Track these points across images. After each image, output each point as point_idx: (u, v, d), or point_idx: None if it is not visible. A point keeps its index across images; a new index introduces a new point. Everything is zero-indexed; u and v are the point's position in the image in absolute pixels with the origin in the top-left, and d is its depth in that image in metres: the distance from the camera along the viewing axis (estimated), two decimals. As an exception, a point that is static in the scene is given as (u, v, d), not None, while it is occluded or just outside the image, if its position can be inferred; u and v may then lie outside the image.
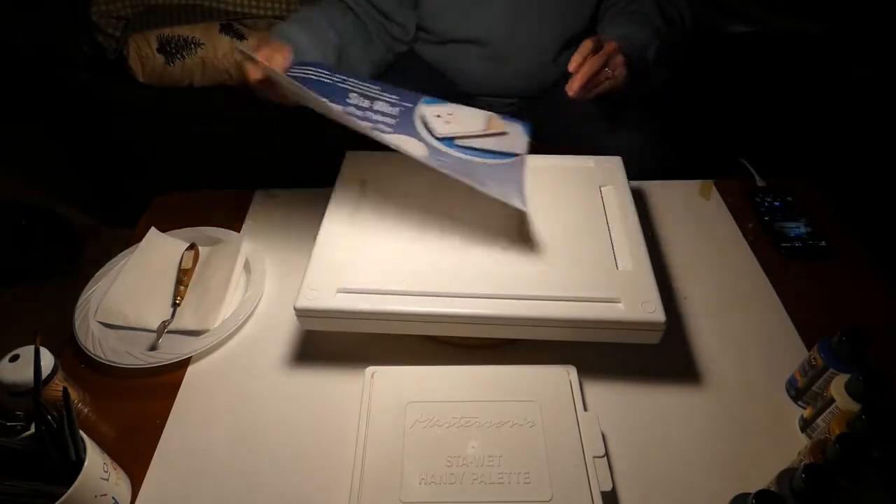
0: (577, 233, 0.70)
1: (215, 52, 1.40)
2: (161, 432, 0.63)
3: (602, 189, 0.76)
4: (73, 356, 0.70)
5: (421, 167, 0.80)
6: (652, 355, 0.68)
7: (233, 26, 1.42)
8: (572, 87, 0.76)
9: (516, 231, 0.70)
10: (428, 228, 0.71)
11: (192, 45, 1.40)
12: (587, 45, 0.77)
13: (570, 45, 1.02)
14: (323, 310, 0.62)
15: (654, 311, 0.60)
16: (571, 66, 0.77)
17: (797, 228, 0.84)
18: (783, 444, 0.61)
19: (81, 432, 0.53)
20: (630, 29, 0.89)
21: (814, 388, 0.62)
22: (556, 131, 1.07)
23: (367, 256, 0.67)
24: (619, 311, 0.61)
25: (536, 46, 1.02)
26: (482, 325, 0.62)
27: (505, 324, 0.62)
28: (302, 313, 0.62)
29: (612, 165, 0.80)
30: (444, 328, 0.64)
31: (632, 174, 0.79)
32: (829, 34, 1.40)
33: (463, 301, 0.61)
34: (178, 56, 1.40)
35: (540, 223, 0.71)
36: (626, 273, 0.65)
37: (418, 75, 1.07)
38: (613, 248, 0.68)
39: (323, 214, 0.72)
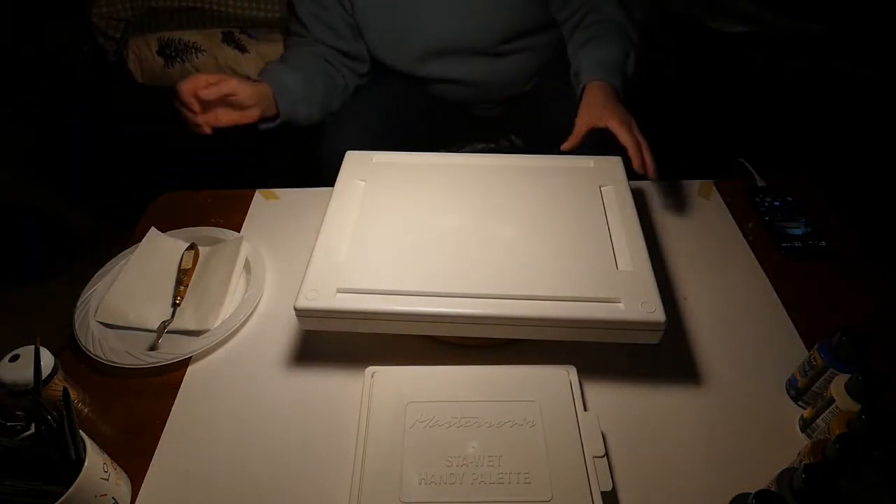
0: (577, 233, 0.70)
1: (216, 59, 1.40)
2: (161, 432, 0.63)
3: (602, 189, 0.76)
4: (73, 356, 0.70)
5: (421, 168, 0.80)
6: (652, 355, 0.68)
7: (234, 36, 1.42)
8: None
9: (516, 231, 0.70)
10: (428, 228, 0.71)
11: (193, 51, 1.40)
12: (576, 138, 0.81)
13: (516, 38, 1.03)
14: (323, 310, 0.62)
15: (654, 311, 0.60)
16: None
17: (797, 228, 0.84)
18: (783, 444, 0.61)
19: (81, 432, 0.53)
20: (607, 51, 0.89)
21: (814, 388, 0.62)
22: (545, 133, 1.07)
23: (367, 256, 0.67)
24: (619, 311, 0.61)
25: (478, 48, 1.03)
26: (482, 326, 0.62)
27: (505, 324, 0.61)
28: (302, 313, 0.62)
29: (612, 165, 0.80)
30: (444, 328, 0.64)
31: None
32: (829, 34, 1.40)
33: (463, 301, 0.61)
34: (178, 60, 1.40)
35: (540, 223, 0.71)
36: (626, 273, 0.65)
37: (396, 90, 1.08)
38: (613, 248, 0.68)
39: (323, 214, 0.72)
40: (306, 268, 0.65)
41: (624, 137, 0.77)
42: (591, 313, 0.60)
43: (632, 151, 0.76)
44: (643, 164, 0.77)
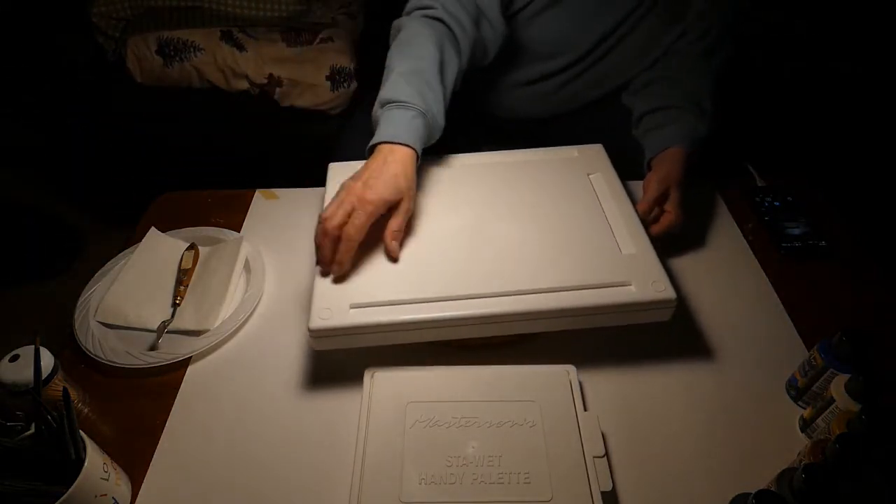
0: (576, 221, 0.70)
1: (214, 58, 1.40)
2: (161, 432, 0.63)
3: (590, 177, 0.77)
4: (73, 356, 0.70)
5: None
6: (652, 355, 0.68)
7: (233, 34, 1.42)
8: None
9: (517, 226, 0.70)
10: (427, 232, 0.70)
11: (192, 50, 1.40)
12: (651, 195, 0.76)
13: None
14: (339, 328, 0.60)
15: (664, 289, 0.61)
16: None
17: (797, 228, 0.84)
18: (783, 444, 0.61)
19: (81, 432, 0.53)
20: (683, 122, 0.83)
21: (814, 388, 0.62)
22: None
23: (372, 268, 0.66)
24: (631, 293, 0.61)
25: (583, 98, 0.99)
26: (504, 324, 0.62)
27: (526, 319, 0.61)
28: (317, 334, 0.61)
29: (595, 153, 0.80)
30: (465, 331, 0.63)
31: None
32: (830, 34, 1.40)
33: (481, 302, 0.61)
34: (177, 59, 1.40)
35: (538, 216, 0.71)
36: (630, 256, 0.65)
37: None
38: (614, 234, 0.68)
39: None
40: (312, 287, 0.64)
41: (674, 207, 0.76)
42: (605, 299, 0.61)
43: (671, 218, 0.76)
44: (659, 224, 0.76)
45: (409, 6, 0.82)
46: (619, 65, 0.94)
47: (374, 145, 0.70)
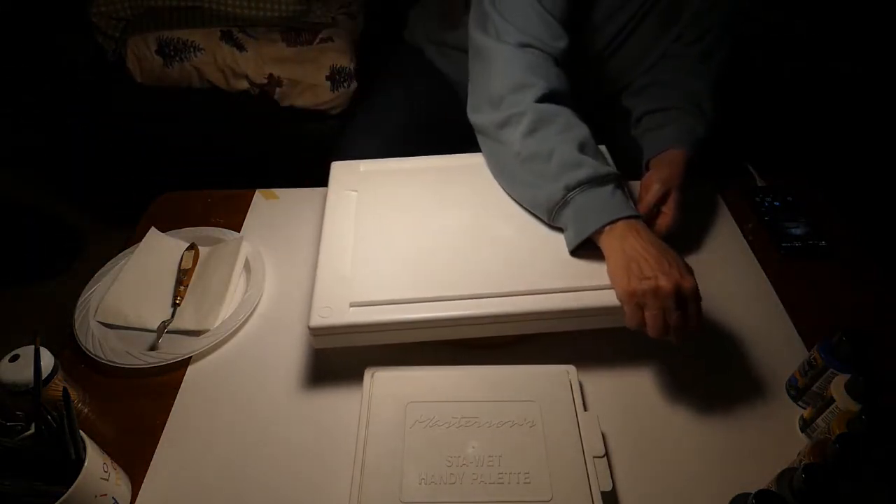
0: None
1: (214, 58, 1.40)
2: (161, 432, 0.63)
3: None
4: (73, 356, 0.70)
5: (408, 173, 0.79)
6: (652, 356, 0.68)
7: (233, 34, 1.42)
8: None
9: (517, 226, 0.70)
10: (427, 232, 0.70)
11: (192, 50, 1.40)
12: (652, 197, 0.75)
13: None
14: (339, 326, 0.61)
15: None
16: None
17: (797, 228, 0.84)
18: (783, 444, 0.61)
19: (81, 432, 0.53)
20: (683, 124, 0.83)
21: (814, 388, 0.62)
22: None
23: (372, 267, 0.66)
24: None
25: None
26: (504, 324, 0.62)
27: (525, 320, 0.61)
28: (317, 332, 0.61)
29: None
30: (464, 331, 0.63)
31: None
32: (830, 34, 1.40)
33: (481, 302, 0.61)
34: (177, 59, 1.40)
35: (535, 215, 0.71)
36: None
37: (417, 91, 1.06)
38: None
39: (320, 227, 0.71)
40: (313, 285, 0.64)
41: (673, 209, 0.76)
42: (605, 300, 0.61)
43: (668, 219, 0.76)
44: (657, 226, 0.76)
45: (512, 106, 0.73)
46: (620, 68, 0.94)
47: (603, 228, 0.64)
